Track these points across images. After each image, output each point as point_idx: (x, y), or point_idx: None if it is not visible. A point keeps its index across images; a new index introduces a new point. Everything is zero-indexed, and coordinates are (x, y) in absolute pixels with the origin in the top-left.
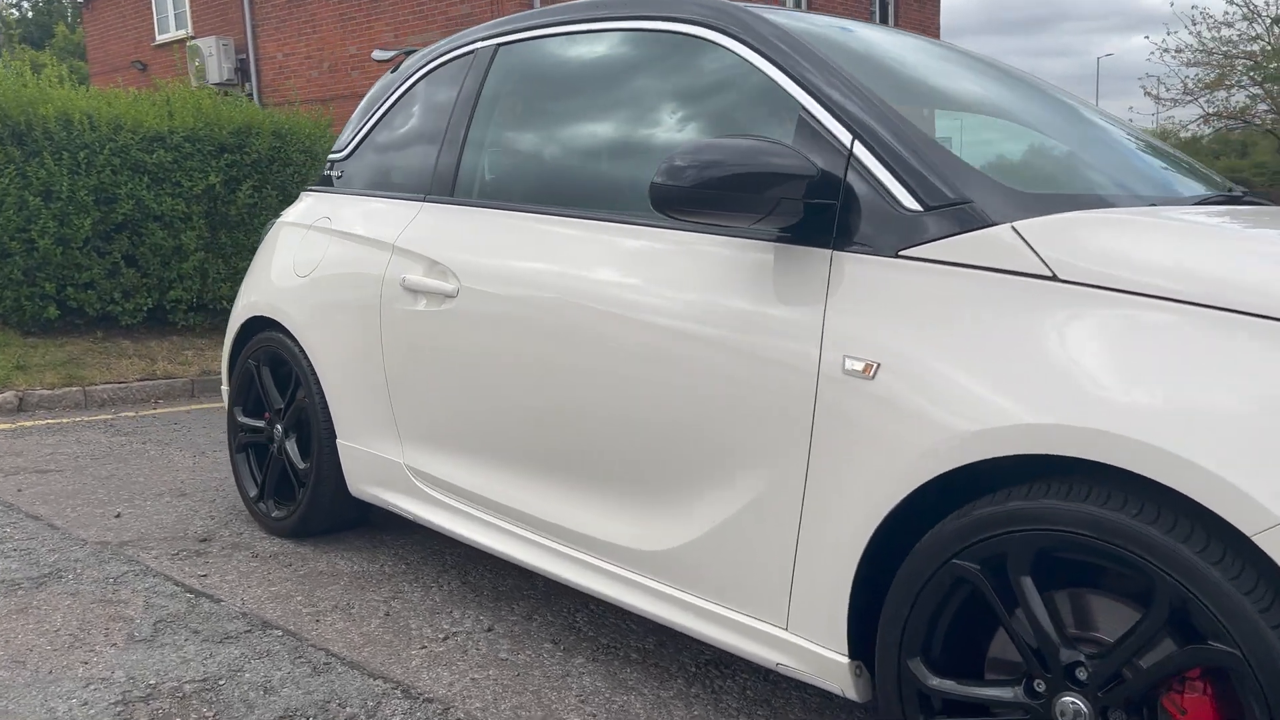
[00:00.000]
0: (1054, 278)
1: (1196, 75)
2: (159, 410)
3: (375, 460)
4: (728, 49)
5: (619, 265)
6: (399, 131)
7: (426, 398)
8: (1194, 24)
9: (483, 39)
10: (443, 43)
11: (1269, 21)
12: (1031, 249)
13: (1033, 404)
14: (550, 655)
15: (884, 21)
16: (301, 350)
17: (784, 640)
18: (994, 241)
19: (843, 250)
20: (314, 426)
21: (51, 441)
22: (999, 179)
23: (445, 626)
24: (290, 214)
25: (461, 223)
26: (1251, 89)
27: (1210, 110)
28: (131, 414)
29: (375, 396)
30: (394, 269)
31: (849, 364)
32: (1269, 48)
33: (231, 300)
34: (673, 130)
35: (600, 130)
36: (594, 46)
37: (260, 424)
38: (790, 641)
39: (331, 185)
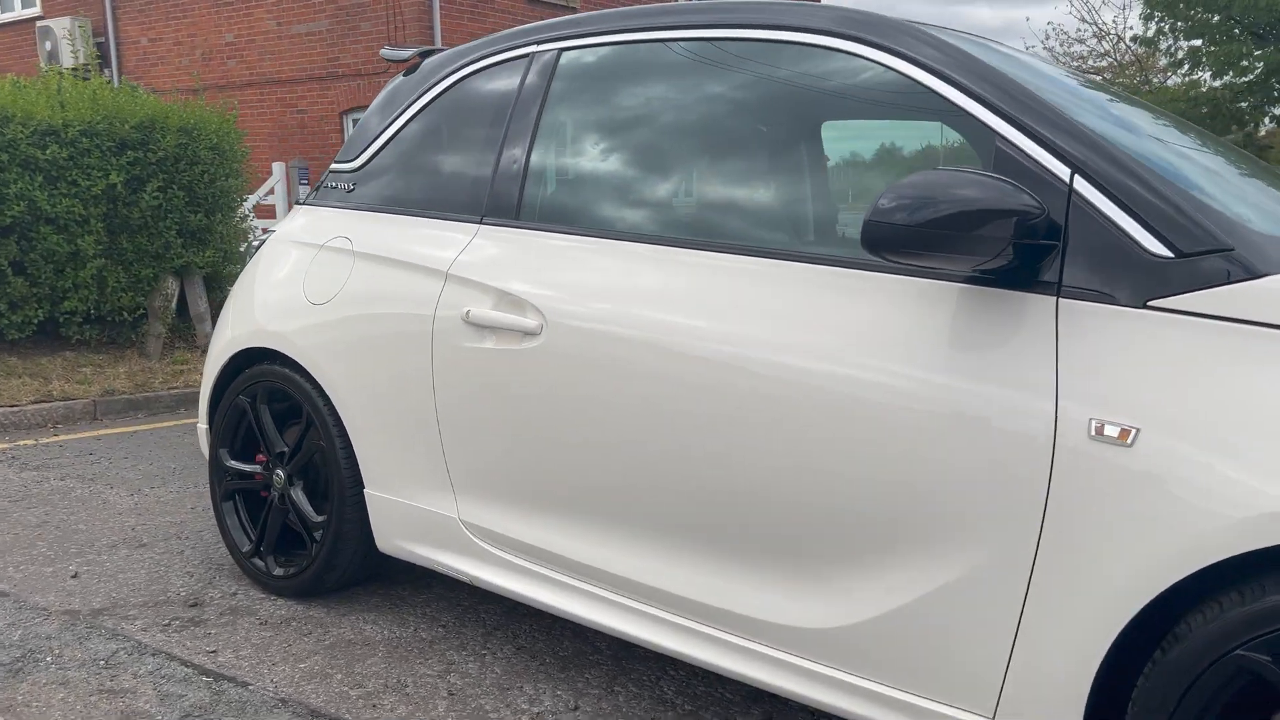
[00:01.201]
0: None
1: None
2: (62, 437)
3: (418, 514)
4: (898, 70)
5: (767, 306)
6: (431, 143)
7: (494, 447)
8: (1046, 39)
9: (538, 42)
10: (481, 45)
11: (1115, 39)
12: None
13: None
14: None
15: None
16: (317, 388)
17: None
18: (1274, 295)
19: (1072, 298)
20: (333, 474)
21: None
22: (1252, 224)
23: (524, 706)
24: (289, 232)
25: (537, 250)
26: None
27: None
28: (31, 442)
29: (421, 443)
30: (450, 300)
31: (1099, 428)
32: (1116, 64)
33: (134, 311)
34: (826, 154)
35: (727, 152)
36: (707, 56)
37: (253, 469)
38: None
39: (340, 200)
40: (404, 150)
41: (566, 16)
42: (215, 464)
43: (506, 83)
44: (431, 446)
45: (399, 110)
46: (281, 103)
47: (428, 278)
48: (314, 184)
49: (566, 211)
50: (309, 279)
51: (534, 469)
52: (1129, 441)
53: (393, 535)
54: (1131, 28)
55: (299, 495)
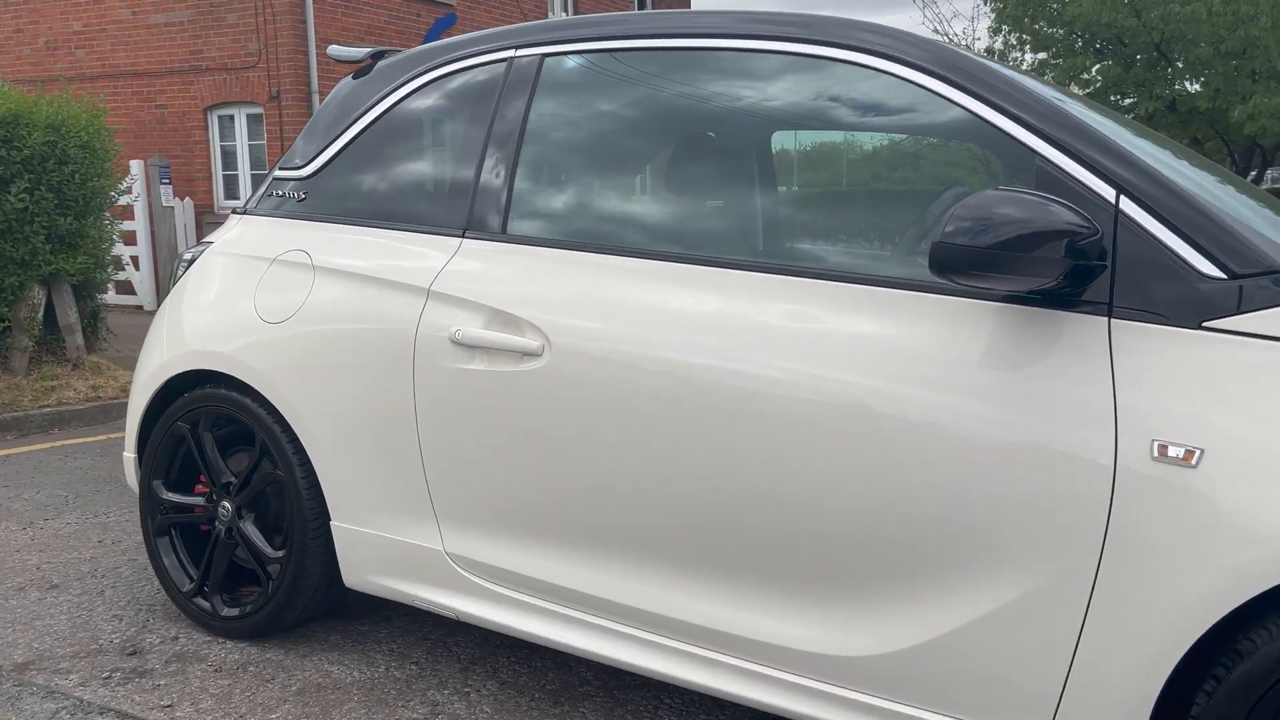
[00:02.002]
0: None
1: None
2: None
3: (396, 547)
4: (932, 90)
5: (799, 327)
6: (398, 150)
7: (486, 475)
8: None
9: (516, 47)
10: (450, 47)
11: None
12: None
13: None
14: None
15: None
16: (274, 413)
17: None
18: None
19: (1124, 318)
20: (293, 506)
21: None
22: None
23: None
24: (228, 244)
25: (531, 266)
26: None
27: None
28: None
29: (400, 471)
30: (433, 319)
31: (1163, 449)
32: None
33: None
34: (852, 172)
35: (742, 167)
36: (712, 67)
37: (195, 500)
38: None
39: (289, 210)
40: (365, 157)
41: (546, 20)
42: (148, 496)
43: (483, 88)
44: (412, 475)
45: (356, 114)
46: (139, 97)
47: (406, 294)
48: (176, 184)
49: (559, 226)
50: (261, 295)
51: (533, 497)
52: (1193, 462)
53: (363, 570)
54: (979, 38)
55: (250, 529)
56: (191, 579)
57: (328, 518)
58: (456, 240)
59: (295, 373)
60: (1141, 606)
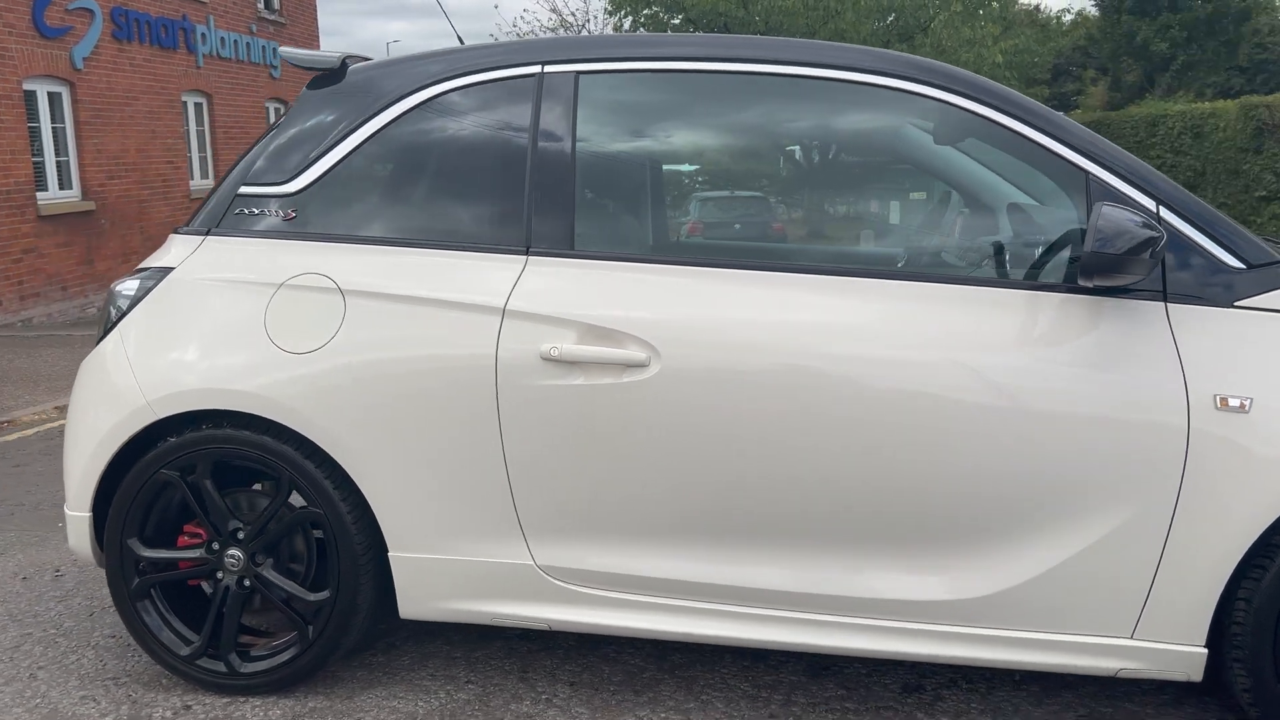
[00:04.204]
0: None
1: None
2: None
3: (476, 568)
4: (990, 119)
5: (903, 324)
6: (415, 166)
7: (589, 485)
8: (514, 25)
9: (545, 62)
10: (461, 56)
11: (578, 29)
12: None
13: None
14: None
15: (269, 6)
16: (307, 448)
17: (1127, 647)
18: None
19: (1178, 303)
20: (340, 543)
21: None
22: None
23: None
24: (202, 269)
25: (614, 280)
26: None
27: None
28: None
29: (482, 492)
30: (515, 337)
31: (1224, 401)
32: None
33: None
34: (917, 184)
35: (824, 183)
36: (765, 91)
37: (186, 554)
38: (1135, 646)
39: (275, 230)
40: (373, 173)
41: (575, 36)
42: (121, 556)
43: (513, 102)
44: (497, 494)
45: (348, 126)
46: None
47: (476, 315)
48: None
49: (632, 239)
50: (274, 324)
51: (647, 501)
52: (1247, 409)
53: (432, 598)
54: (594, 18)
55: (274, 575)
56: (187, 640)
57: (381, 551)
58: (520, 258)
59: (338, 405)
60: (1210, 524)
